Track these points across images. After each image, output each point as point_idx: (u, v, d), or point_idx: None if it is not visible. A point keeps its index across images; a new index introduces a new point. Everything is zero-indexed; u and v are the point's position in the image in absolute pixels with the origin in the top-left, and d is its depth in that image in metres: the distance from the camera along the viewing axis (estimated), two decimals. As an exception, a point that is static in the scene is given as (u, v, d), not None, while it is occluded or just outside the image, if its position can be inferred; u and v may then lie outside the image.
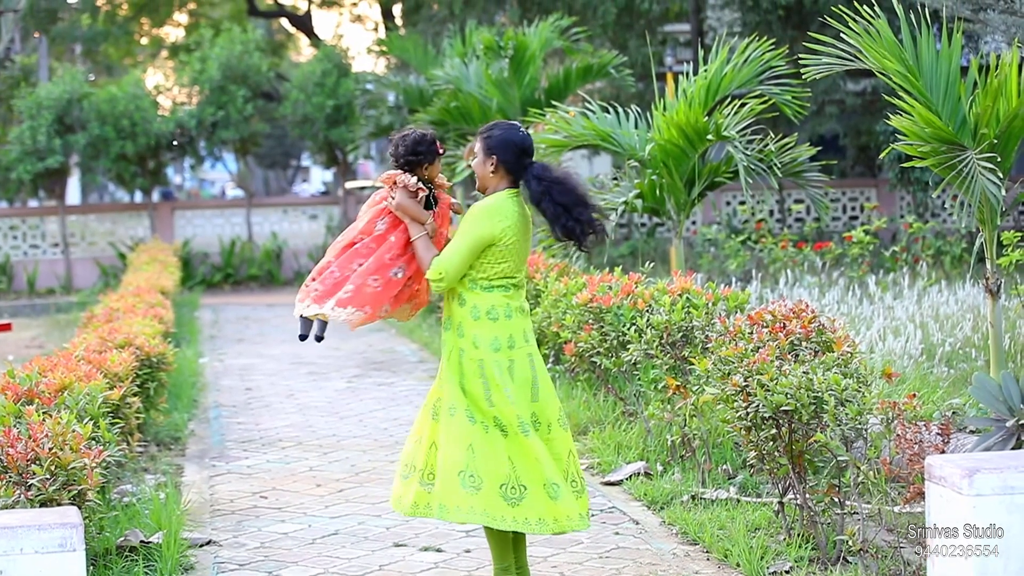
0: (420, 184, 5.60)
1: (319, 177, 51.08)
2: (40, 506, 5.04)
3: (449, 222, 5.79)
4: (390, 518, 6.99)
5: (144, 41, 34.95)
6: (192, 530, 6.80)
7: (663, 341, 7.35)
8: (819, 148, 10.60)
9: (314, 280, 5.58)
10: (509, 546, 5.46)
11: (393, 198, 5.61)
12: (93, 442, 5.63)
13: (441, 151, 5.67)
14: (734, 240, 15.64)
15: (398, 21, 27.75)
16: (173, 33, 35.52)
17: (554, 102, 12.76)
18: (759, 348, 5.94)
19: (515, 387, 5.36)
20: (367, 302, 5.53)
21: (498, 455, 5.32)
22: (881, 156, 8.58)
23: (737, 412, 5.83)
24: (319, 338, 5.55)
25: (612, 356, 8.06)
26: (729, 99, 9.99)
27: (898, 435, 5.49)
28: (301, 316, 5.57)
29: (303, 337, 5.56)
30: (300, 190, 51.06)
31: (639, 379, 8.21)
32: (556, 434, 5.41)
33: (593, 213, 5.48)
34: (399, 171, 5.64)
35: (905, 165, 8.22)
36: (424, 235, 5.55)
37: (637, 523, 6.74)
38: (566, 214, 5.40)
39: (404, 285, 5.60)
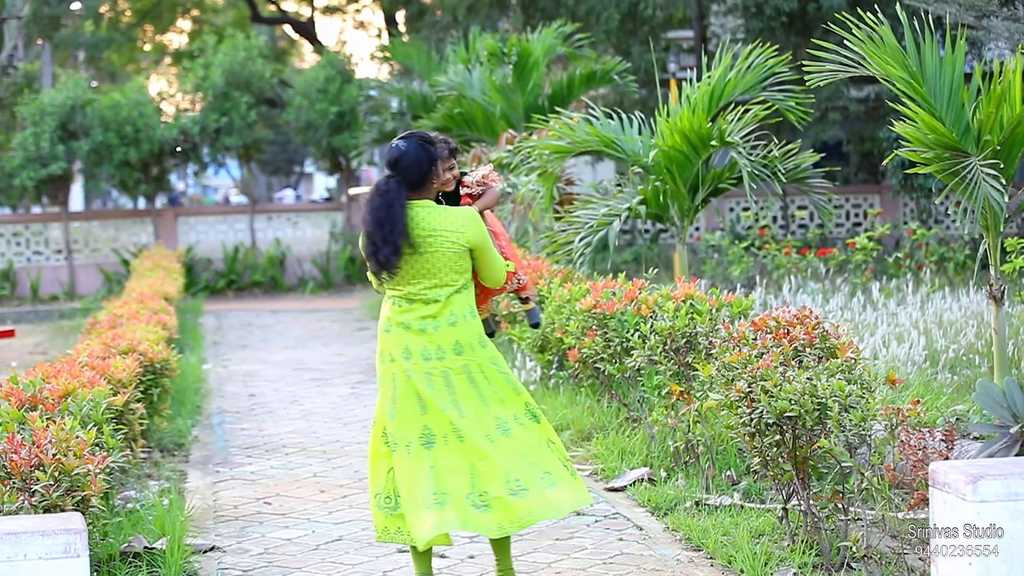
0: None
1: (322, 183, 50.81)
2: (44, 512, 5.05)
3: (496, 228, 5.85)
4: (394, 524, 6.99)
5: (147, 48, 35.07)
6: (196, 536, 6.81)
7: (667, 347, 7.35)
8: (822, 154, 10.59)
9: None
10: (422, 559, 5.55)
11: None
12: (97, 448, 5.63)
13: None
14: (738, 246, 15.63)
15: (401, 27, 27.78)
16: (176, 40, 35.65)
17: (558, 108, 12.77)
18: (763, 354, 5.93)
19: (399, 400, 5.44)
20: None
21: (379, 464, 5.51)
22: (884, 162, 8.56)
23: (741, 418, 5.83)
24: (534, 325, 5.90)
25: (616, 362, 8.05)
26: (733, 105, 9.99)
27: (902, 441, 5.49)
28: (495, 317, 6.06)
29: (535, 325, 5.93)
30: (281, 196, 50.35)
31: (643, 385, 8.21)
32: (453, 445, 5.37)
33: (382, 255, 5.35)
34: None
35: (908, 171, 8.21)
36: None
37: (641, 529, 6.74)
38: (362, 239, 5.45)
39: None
